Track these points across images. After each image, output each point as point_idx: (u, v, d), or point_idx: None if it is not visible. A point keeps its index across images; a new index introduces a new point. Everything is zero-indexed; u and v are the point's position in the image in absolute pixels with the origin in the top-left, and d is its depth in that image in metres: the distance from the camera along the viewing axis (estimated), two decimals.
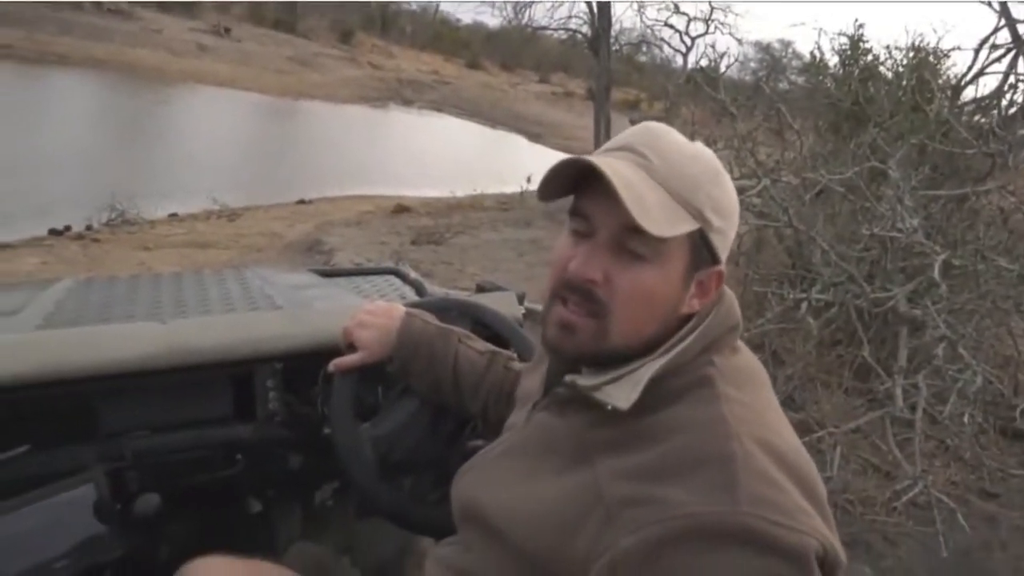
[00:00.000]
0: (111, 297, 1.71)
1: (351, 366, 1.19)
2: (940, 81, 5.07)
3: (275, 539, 1.49)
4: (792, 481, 0.69)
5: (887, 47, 5.59)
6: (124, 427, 1.26)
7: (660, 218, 0.75)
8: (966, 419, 3.28)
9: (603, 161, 0.77)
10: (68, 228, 8.46)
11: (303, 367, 1.34)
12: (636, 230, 0.74)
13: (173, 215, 9.91)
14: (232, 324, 1.39)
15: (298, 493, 1.55)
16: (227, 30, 31.99)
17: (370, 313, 1.22)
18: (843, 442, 3.29)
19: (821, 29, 5.94)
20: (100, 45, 25.88)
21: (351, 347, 1.21)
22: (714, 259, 0.81)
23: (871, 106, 4.96)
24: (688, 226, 0.77)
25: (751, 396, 0.76)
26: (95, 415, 1.24)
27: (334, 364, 1.20)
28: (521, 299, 1.60)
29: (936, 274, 3.40)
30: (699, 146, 0.83)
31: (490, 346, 1.24)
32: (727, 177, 0.83)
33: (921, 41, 5.38)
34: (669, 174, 0.78)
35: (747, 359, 0.83)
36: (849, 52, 5.72)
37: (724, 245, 0.81)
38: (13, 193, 9.34)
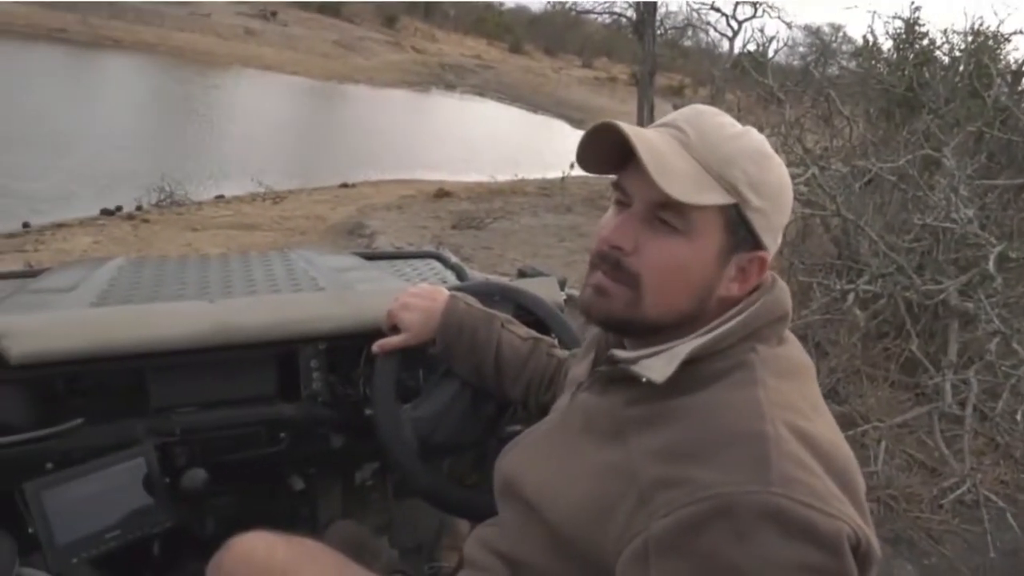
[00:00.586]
0: (161, 276, 1.75)
1: (394, 347, 1.20)
2: (1000, 66, 4.87)
3: (316, 516, 1.52)
4: (824, 469, 0.67)
5: (944, 31, 5.42)
6: (173, 403, 1.29)
7: (687, 186, 0.74)
8: (1019, 416, 3.18)
9: (635, 131, 0.77)
10: (119, 208, 8.70)
11: (346, 348, 1.35)
12: (669, 202, 0.75)
13: (219, 197, 10.09)
14: (277, 304, 1.41)
15: (339, 472, 1.57)
16: (273, 14, 32.46)
17: (414, 295, 1.23)
18: (888, 437, 3.22)
19: (874, 12, 5.84)
20: (150, 29, 26.47)
21: (394, 329, 1.22)
22: (756, 243, 0.79)
23: (926, 92, 4.81)
24: (718, 198, 0.76)
25: (790, 386, 0.75)
26: (145, 390, 1.27)
27: (377, 345, 1.21)
28: (562, 285, 1.60)
29: (991, 266, 3.30)
30: (749, 129, 0.82)
31: (533, 332, 1.23)
32: (776, 161, 0.82)
33: (980, 24, 5.20)
34: (704, 148, 0.77)
35: (794, 351, 0.82)
36: (904, 36, 5.56)
37: (767, 227, 0.80)
38: (69, 173, 9.67)
